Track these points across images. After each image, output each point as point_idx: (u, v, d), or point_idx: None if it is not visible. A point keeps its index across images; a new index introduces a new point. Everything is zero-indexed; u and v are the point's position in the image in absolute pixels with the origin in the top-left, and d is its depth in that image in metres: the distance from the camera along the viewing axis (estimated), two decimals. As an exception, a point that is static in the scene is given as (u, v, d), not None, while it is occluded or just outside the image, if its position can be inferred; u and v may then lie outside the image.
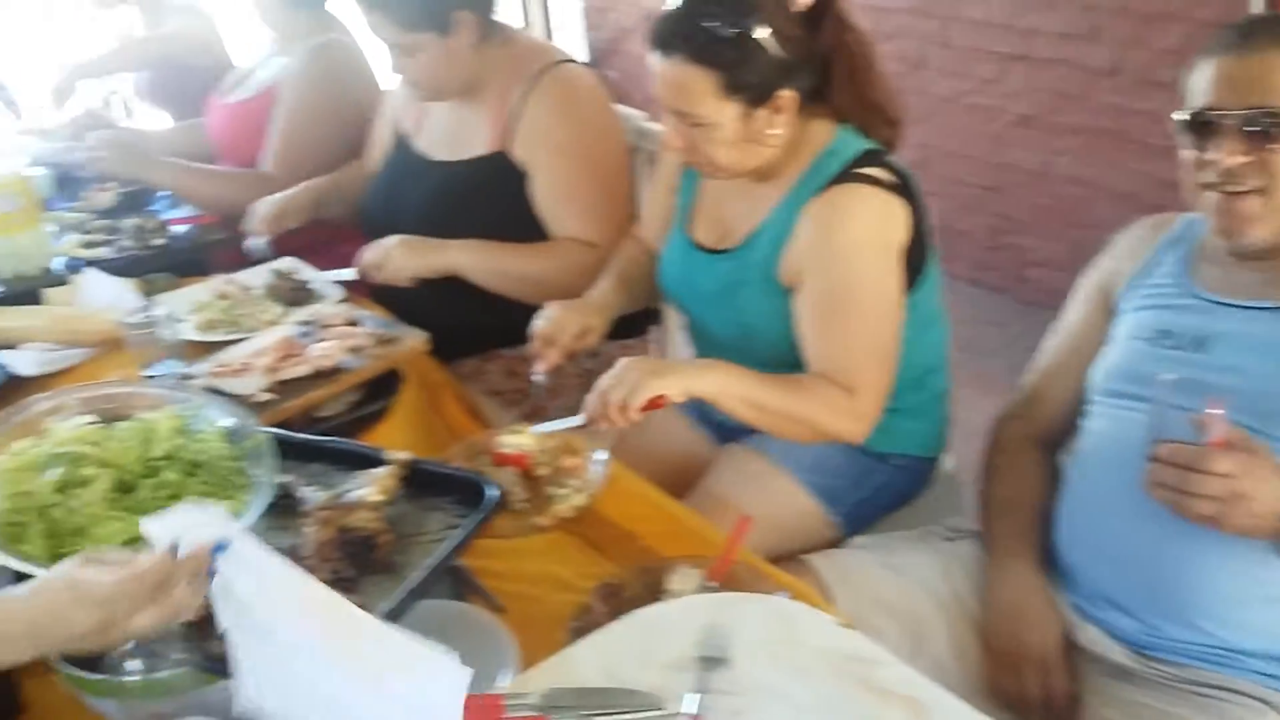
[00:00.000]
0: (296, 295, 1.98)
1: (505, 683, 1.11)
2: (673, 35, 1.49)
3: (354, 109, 2.36)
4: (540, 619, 1.26)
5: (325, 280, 2.02)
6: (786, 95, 1.52)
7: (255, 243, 2.12)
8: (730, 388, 1.48)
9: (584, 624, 1.21)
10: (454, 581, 1.31)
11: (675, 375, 1.45)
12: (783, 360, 1.56)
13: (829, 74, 1.56)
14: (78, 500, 1.21)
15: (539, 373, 1.65)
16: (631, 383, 1.42)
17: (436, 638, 1.03)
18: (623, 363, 1.46)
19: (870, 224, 1.52)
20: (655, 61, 1.52)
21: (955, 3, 3.58)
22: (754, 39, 1.47)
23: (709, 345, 1.74)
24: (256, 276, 2.05)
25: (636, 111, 2.14)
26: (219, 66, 2.77)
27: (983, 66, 3.59)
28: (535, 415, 1.81)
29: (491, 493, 1.24)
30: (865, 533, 1.68)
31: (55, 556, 1.17)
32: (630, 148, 2.12)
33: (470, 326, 1.99)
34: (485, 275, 1.97)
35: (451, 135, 2.04)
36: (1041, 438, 1.56)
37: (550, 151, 1.96)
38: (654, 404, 1.44)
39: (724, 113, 1.50)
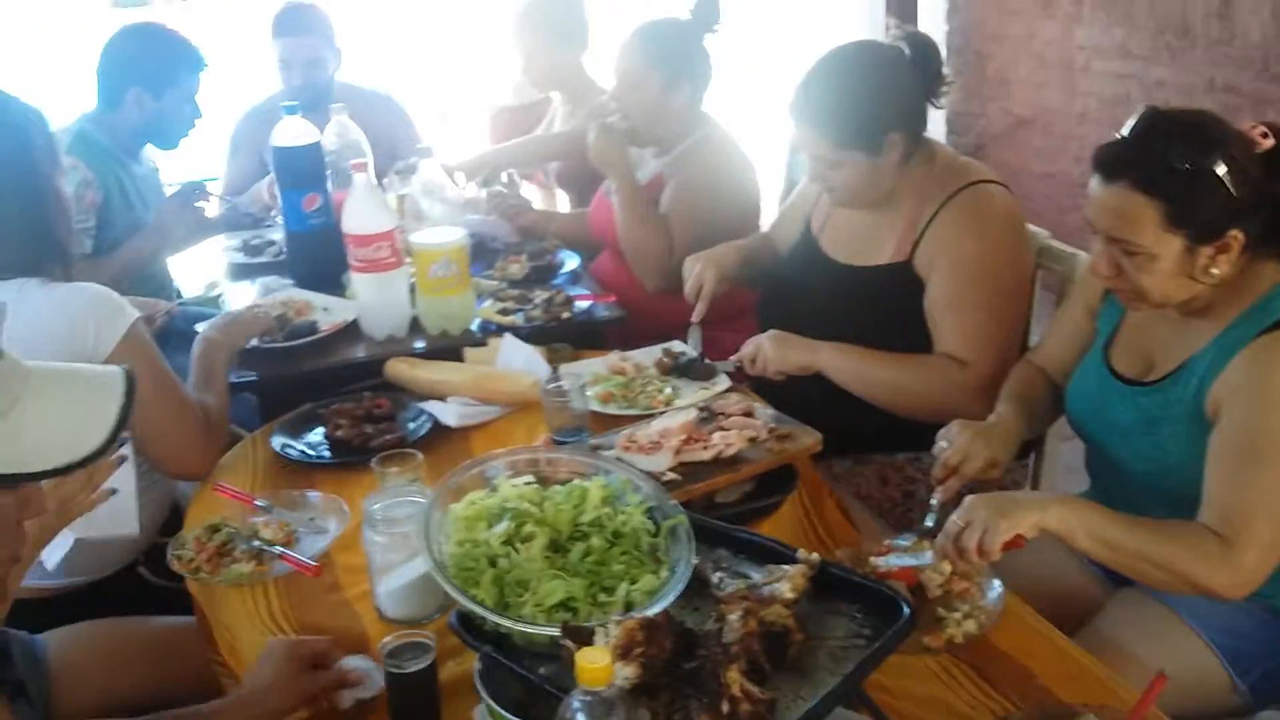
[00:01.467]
0: (685, 376, 2.09)
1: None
2: (1122, 161, 1.46)
3: (728, 198, 2.51)
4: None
5: (713, 366, 2.11)
6: (1235, 236, 1.45)
7: (693, 338, 2.20)
8: (1083, 524, 1.42)
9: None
10: (848, 690, 1.32)
11: (1024, 511, 1.41)
12: (1199, 499, 1.47)
13: None
14: (521, 555, 1.33)
15: (936, 499, 1.63)
16: (983, 522, 1.40)
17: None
18: (969, 502, 1.44)
19: None
20: (1096, 186, 1.50)
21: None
22: (1211, 175, 1.42)
23: (1115, 477, 1.67)
24: (648, 355, 2.18)
25: (1042, 230, 2.10)
26: None
27: None
28: (908, 527, 1.80)
29: (907, 609, 1.24)
30: (1276, 706, 1.54)
31: (502, 604, 1.29)
32: (1032, 267, 2.09)
33: (849, 428, 2.01)
34: (851, 379, 1.98)
35: (858, 240, 2.08)
36: None
37: (948, 263, 1.96)
38: (1013, 544, 1.41)
39: (1165, 245, 1.46)
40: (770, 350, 1.99)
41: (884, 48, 2.01)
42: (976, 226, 1.95)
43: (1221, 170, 1.42)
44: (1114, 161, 1.48)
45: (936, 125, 4.98)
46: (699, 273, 2.20)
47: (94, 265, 2.54)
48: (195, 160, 3.43)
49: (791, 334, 2.01)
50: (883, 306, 2.02)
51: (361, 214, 2.23)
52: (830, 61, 1.99)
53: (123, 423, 1.02)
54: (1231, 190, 1.43)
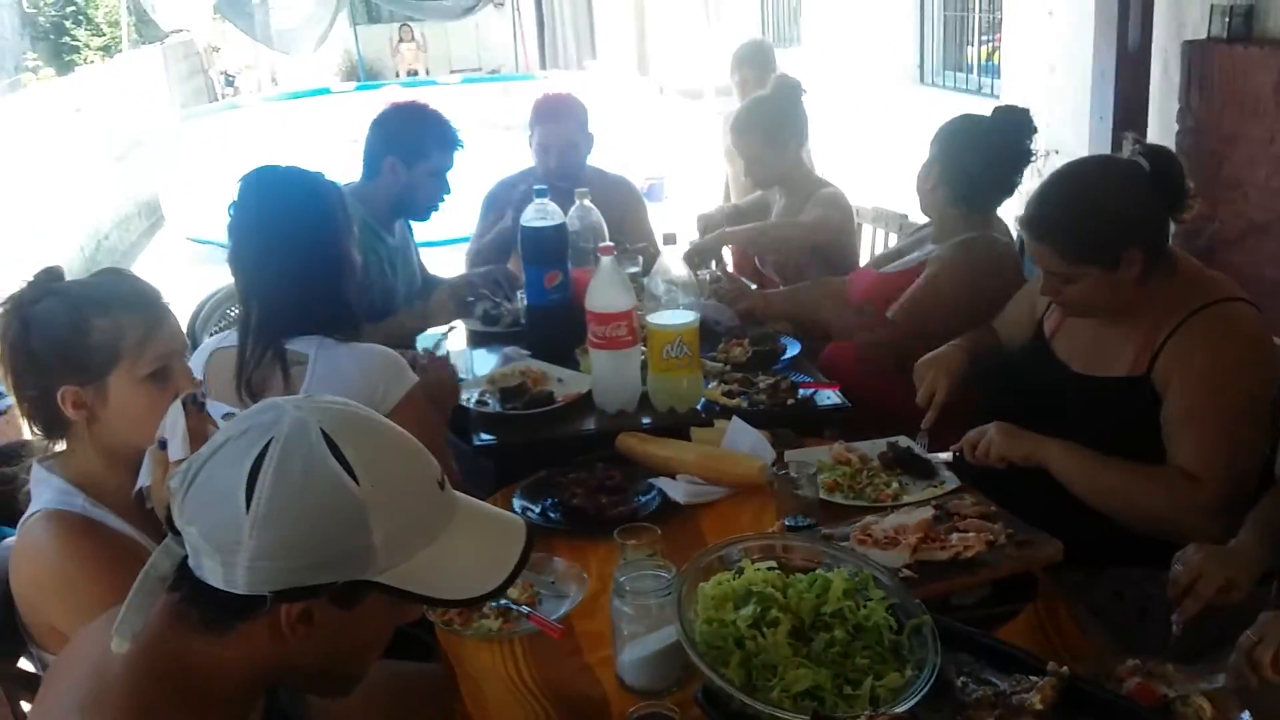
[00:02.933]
0: (911, 470, 2.10)
1: None
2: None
3: (983, 299, 2.50)
4: None
5: (936, 465, 2.11)
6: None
7: (921, 441, 2.25)
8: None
9: None
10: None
11: None
12: None
13: None
14: (766, 640, 1.37)
15: (1178, 623, 1.59)
16: (1277, 638, 1.34)
17: None
18: (1264, 618, 1.40)
19: None
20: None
21: None
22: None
23: None
24: (872, 448, 2.20)
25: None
26: (847, 248, 3.08)
27: None
28: (1144, 644, 1.75)
29: (1165, 734, 1.22)
30: None
31: (750, 686, 1.33)
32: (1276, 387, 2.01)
33: (1081, 538, 1.97)
34: (1078, 478, 1.96)
35: (1094, 349, 2.06)
36: None
37: (1186, 377, 1.92)
38: None
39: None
40: (996, 437, 2.00)
41: (1121, 163, 2.00)
42: (1219, 342, 1.90)
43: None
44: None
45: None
46: (932, 380, 2.23)
47: (371, 328, 2.75)
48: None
49: (1018, 427, 2.01)
50: (1117, 418, 1.99)
51: (605, 294, 2.35)
52: (1067, 177, 1.99)
53: (520, 570, 1.11)
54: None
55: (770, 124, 3.33)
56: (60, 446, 1.65)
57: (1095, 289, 1.95)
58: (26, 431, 3.86)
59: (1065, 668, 1.32)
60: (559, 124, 3.35)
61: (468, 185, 3.38)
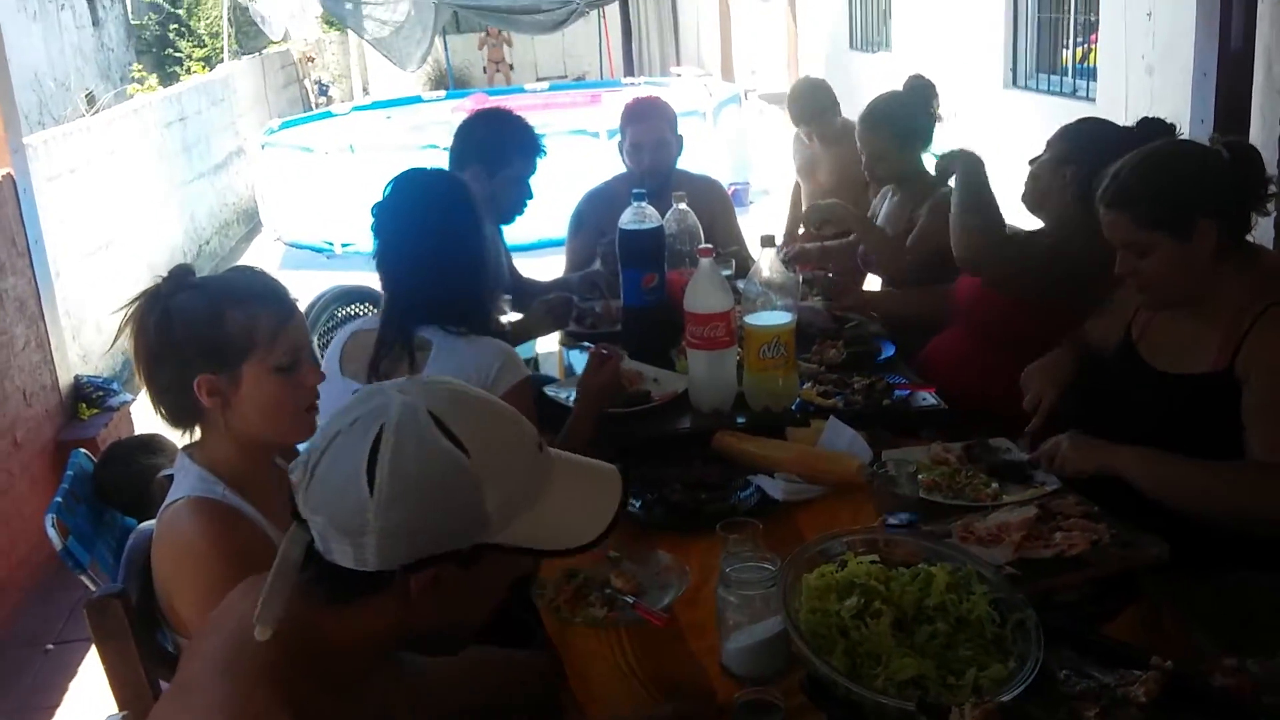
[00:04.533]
0: (1009, 474, 2.10)
1: None
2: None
3: (1080, 269, 2.51)
4: None
5: (1030, 471, 2.11)
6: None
7: (1022, 446, 2.23)
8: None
9: None
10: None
11: None
12: None
13: None
14: (869, 630, 1.41)
15: None
16: None
17: None
18: None
19: None
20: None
21: None
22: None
23: None
24: (971, 449, 2.21)
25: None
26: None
27: None
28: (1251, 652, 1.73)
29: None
30: None
31: (854, 673, 1.36)
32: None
33: (1182, 542, 1.96)
34: (1156, 484, 1.93)
35: (1177, 347, 2.06)
36: None
37: (1266, 368, 1.91)
38: None
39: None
40: (1069, 450, 2.00)
41: (1200, 145, 2.04)
42: None
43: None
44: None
45: (1264, 233, 4.73)
46: (1039, 389, 2.24)
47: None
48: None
49: (1090, 436, 2.00)
50: (1201, 417, 1.98)
51: (703, 295, 2.39)
52: (1143, 150, 2.03)
53: (619, 517, 1.17)
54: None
55: (901, 123, 3.32)
56: (189, 438, 1.73)
57: (1168, 263, 1.95)
58: (139, 427, 4.06)
59: (1169, 662, 1.33)
60: (650, 123, 3.41)
61: (554, 190, 3.44)
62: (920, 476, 2.08)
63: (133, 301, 1.65)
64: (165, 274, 1.69)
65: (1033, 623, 1.40)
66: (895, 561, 1.56)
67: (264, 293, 1.65)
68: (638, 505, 2.10)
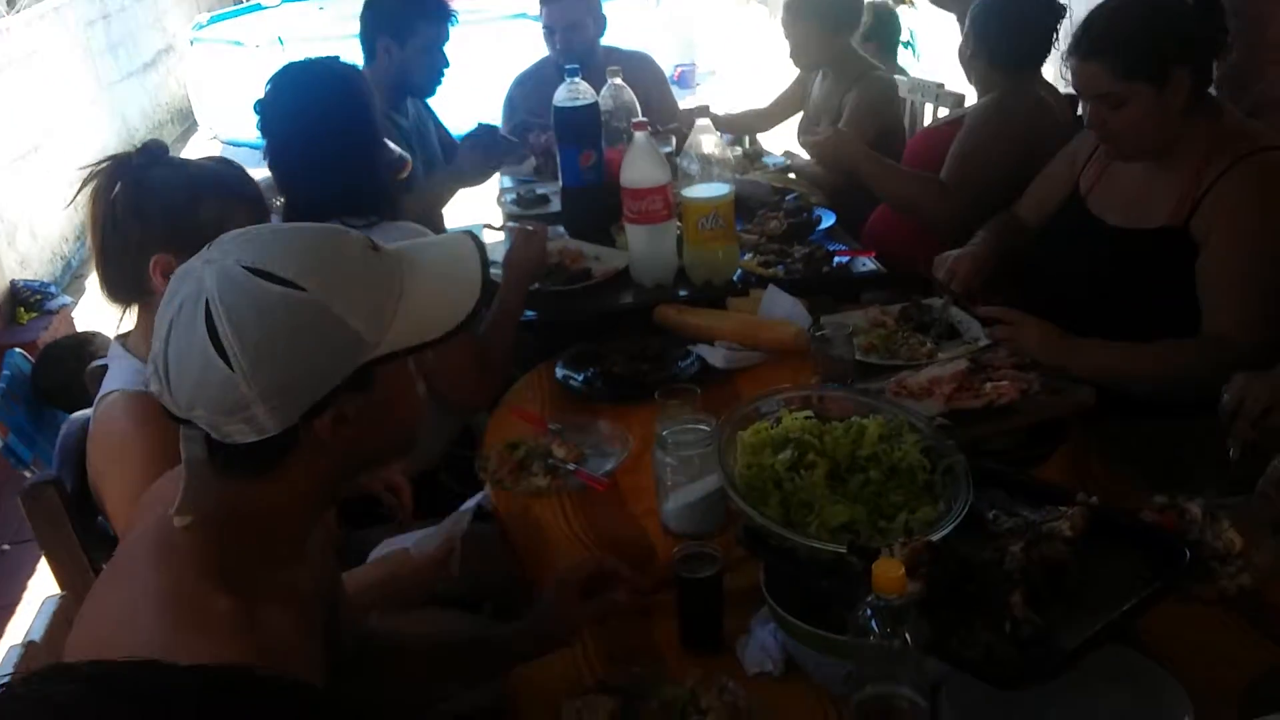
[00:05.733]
0: (944, 332, 2.13)
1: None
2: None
3: (1022, 148, 2.51)
4: (1202, 686, 1.26)
5: (972, 323, 2.14)
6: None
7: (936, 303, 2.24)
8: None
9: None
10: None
11: None
12: None
13: None
14: (803, 480, 1.44)
15: (1235, 450, 1.63)
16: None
17: (1105, 681, 1.08)
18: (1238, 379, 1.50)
19: None
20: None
21: None
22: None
23: None
24: (908, 310, 2.23)
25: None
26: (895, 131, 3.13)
27: None
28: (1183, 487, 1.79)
29: (1186, 554, 1.27)
30: None
31: (788, 523, 1.40)
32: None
33: (1114, 392, 2.00)
34: (1113, 381, 1.93)
35: (1131, 201, 2.06)
36: None
37: (1228, 234, 1.91)
38: None
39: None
40: (1033, 344, 1.94)
41: None
42: (1263, 194, 1.89)
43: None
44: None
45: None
46: (952, 264, 2.22)
47: (408, 198, 2.75)
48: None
49: (1055, 333, 1.95)
50: (1153, 273, 2.00)
51: (640, 169, 2.37)
52: (1110, 1, 1.99)
53: (487, 279, 1.14)
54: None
55: (826, 6, 3.25)
56: (128, 320, 1.67)
57: (1142, 114, 1.93)
58: (80, 326, 3.95)
59: (1094, 497, 1.37)
60: (561, 5, 3.32)
61: (496, 78, 3.35)
62: (858, 340, 2.10)
63: (99, 163, 1.57)
64: (137, 145, 1.61)
65: (962, 467, 1.44)
66: (829, 417, 1.58)
67: (239, 186, 1.59)
68: (580, 379, 2.12)
